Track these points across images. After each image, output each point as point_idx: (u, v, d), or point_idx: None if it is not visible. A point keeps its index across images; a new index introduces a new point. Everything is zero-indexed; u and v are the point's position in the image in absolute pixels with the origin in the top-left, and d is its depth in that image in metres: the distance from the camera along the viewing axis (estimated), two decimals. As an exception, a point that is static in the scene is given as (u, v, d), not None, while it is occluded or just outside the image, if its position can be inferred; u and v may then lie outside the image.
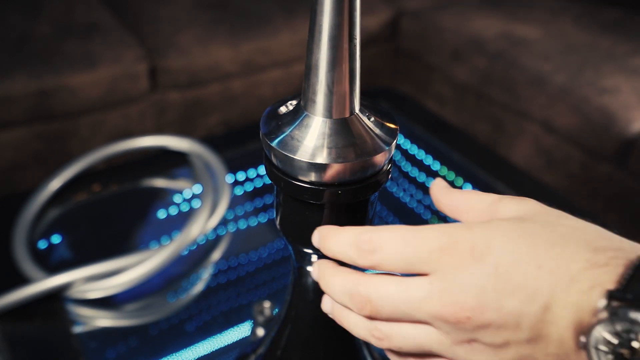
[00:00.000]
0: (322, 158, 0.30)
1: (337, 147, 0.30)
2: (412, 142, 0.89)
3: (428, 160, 0.86)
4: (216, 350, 0.59)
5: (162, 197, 0.79)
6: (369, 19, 1.77)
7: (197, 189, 0.77)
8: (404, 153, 0.88)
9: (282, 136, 0.31)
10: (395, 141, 0.32)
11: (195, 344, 0.59)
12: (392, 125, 0.33)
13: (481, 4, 1.80)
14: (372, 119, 0.32)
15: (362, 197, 0.32)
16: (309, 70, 0.31)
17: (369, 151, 0.31)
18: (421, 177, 0.83)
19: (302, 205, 0.33)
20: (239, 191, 0.79)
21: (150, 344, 0.60)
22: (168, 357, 0.58)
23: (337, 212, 0.33)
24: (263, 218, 0.75)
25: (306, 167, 0.31)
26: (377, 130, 0.32)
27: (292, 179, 0.31)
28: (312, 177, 0.31)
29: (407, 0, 1.87)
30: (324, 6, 0.29)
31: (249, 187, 0.80)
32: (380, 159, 0.31)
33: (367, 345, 0.41)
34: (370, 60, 1.81)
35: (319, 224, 0.33)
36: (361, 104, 0.33)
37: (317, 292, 0.36)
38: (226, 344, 0.60)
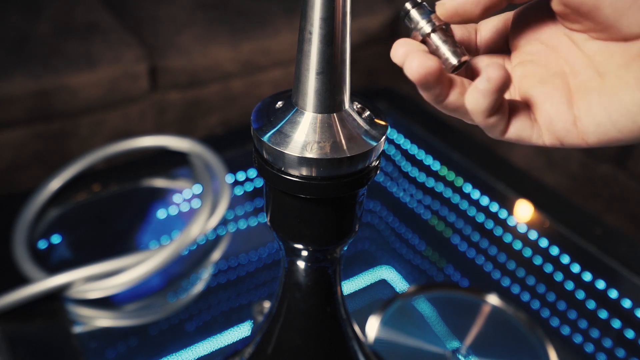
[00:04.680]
0: (311, 152, 0.31)
1: (326, 142, 0.31)
2: (412, 142, 0.89)
3: (428, 160, 0.86)
4: (216, 350, 0.59)
5: (162, 197, 0.78)
6: (369, 19, 1.77)
7: (197, 189, 0.77)
8: (404, 153, 0.88)
9: (272, 131, 0.32)
10: (384, 137, 0.33)
11: (195, 344, 0.59)
12: (381, 122, 0.33)
13: (481, 4, 1.79)
14: (362, 115, 0.33)
15: (352, 191, 0.33)
16: (299, 65, 0.31)
17: (358, 146, 0.31)
18: (421, 177, 0.83)
19: (292, 200, 0.33)
20: (239, 191, 0.79)
21: (150, 344, 0.60)
22: (168, 357, 0.58)
23: (326, 206, 0.33)
24: (263, 218, 0.75)
25: (296, 161, 0.31)
26: (366, 126, 0.32)
27: (281, 173, 0.32)
28: (301, 171, 0.31)
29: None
30: (313, 0, 0.29)
31: (249, 187, 0.80)
32: (369, 154, 0.32)
33: (358, 339, 0.42)
34: (370, 60, 1.81)
35: (309, 219, 0.33)
36: (352, 100, 0.33)
37: (308, 286, 0.37)
38: (226, 344, 0.60)
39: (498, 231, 0.74)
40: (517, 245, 0.72)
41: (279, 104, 0.33)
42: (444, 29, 0.30)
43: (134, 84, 1.48)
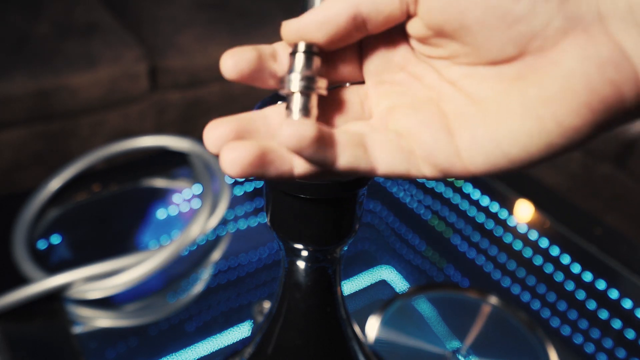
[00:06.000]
0: None
1: None
2: (412, 142, 0.89)
3: (428, 160, 0.86)
4: (216, 350, 0.59)
5: (162, 197, 0.78)
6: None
7: (197, 189, 0.77)
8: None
9: None
10: None
11: (195, 344, 0.59)
12: None
13: (481, 4, 1.79)
14: None
15: (352, 191, 0.32)
16: None
17: None
18: (421, 177, 0.83)
19: (292, 200, 0.33)
20: (239, 191, 0.79)
21: (150, 344, 0.60)
22: (168, 357, 0.58)
23: (326, 206, 0.33)
24: (263, 218, 0.75)
25: None
26: None
27: None
28: None
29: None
30: (313, 0, 0.29)
31: (249, 187, 0.80)
32: None
33: (358, 339, 0.42)
34: (370, 60, 1.81)
35: (309, 219, 0.33)
36: None
37: (308, 286, 0.37)
38: (226, 344, 0.60)
39: (498, 231, 0.74)
40: (518, 245, 0.72)
41: (279, 104, 0.33)
42: (309, 97, 0.25)
43: (134, 84, 1.48)
